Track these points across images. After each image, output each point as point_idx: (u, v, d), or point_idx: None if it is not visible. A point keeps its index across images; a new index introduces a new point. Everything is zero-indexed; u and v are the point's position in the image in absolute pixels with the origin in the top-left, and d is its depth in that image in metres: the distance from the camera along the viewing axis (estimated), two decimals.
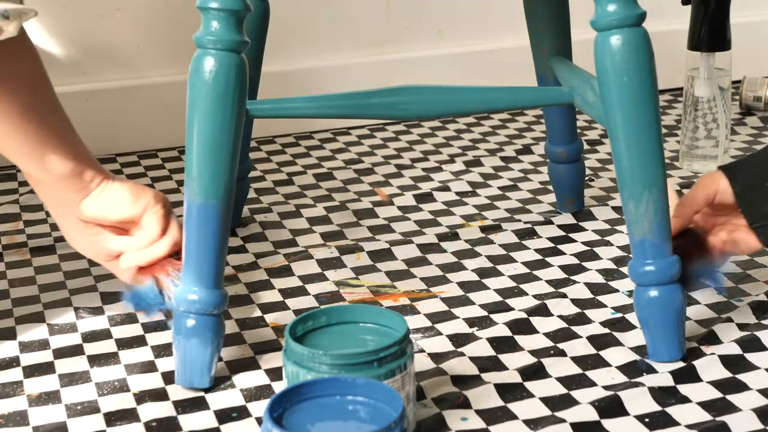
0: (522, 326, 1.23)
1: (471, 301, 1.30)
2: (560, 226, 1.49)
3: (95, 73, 1.84)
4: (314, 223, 1.54)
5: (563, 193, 1.54)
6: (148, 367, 1.17)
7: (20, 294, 1.34)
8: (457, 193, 1.63)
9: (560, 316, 1.25)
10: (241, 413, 1.09)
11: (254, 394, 1.12)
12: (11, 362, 1.19)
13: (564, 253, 1.41)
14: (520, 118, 1.98)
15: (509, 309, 1.28)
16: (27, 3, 1.09)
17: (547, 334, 1.21)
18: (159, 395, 1.12)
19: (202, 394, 1.12)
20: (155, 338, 1.23)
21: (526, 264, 1.39)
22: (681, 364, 1.14)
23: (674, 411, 1.07)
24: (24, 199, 1.64)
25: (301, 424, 0.94)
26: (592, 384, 1.12)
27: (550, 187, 1.61)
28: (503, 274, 1.37)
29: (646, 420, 1.05)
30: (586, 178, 1.65)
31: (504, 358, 1.17)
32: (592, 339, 1.20)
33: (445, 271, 1.38)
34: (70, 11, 1.80)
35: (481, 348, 1.19)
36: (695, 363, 1.13)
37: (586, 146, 1.80)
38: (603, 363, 1.16)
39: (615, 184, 1.64)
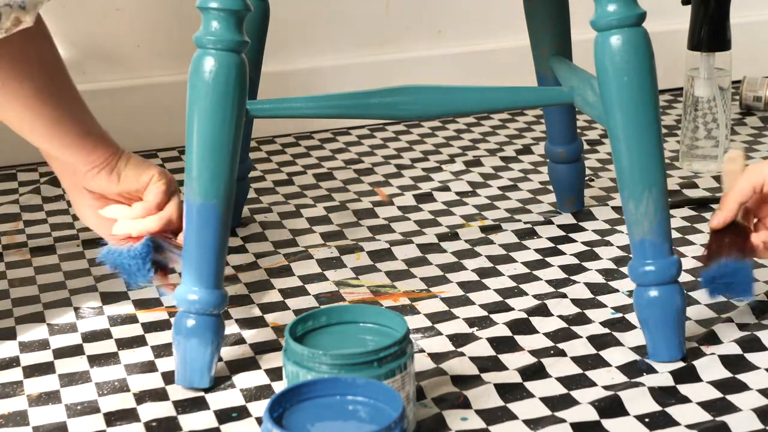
0: (522, 326, 1.23)
1: (471, 301, 1.30)
2: (560, 226, 1.49)
3: (95, 73, 1.84)
4: (314, 223, 1.54)
5: (563, 193, 1.54)
6: (148, 367, 1.17)
7: (20, 294, 1.34)
8: (457, 193, 1.63)
9: (560, 316, 1.25)
10: (241, 413, 1.09)
11: (254, 394, 1.12)
12: (11, 362, 1.19)
13: (564, 253, 1.41)
14: (520, 118, 1.98)
15: (509, 309, 1.28)
16: None
17: (547, 334, 1.21)
18: (159, 395, 1.12)
19: (202, 394, 1.12)
20: (155, 338, 1.23)
21: (526, 264, 1.39)
22: (681, 364, 1.14)
23: (674, 411, 1.07)
24: (24, 199, 1.64)
25: (301, 424, 0.94)
26: (592, 384, 1.12)
27: (550, 187, 1.61)
28: (503, 274, 1.37)
29: (646, 420, 1.05)
30: (586, 178, 1.65)
31: (504, 358, 1.17)
32: (592, 339, 1.20)
33: (445, 271, 1.38)
34: (70, 11, 1.80)
35: (481, 348, 1.19)
36: (695, 363, 1.13)
37: (586, 146, 1.80)
38: (603, 363, 1.16)
39: (615, 184, 1.64)
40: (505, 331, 1.22)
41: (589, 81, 1.18)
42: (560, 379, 1.13)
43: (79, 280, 1.37)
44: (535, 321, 1.24)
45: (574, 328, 1.23)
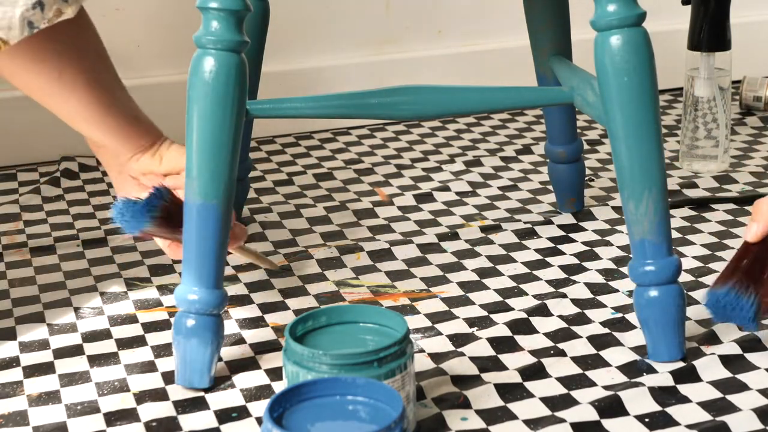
0: (522, 326, 1.23)
1: (471, 301, 1.30)
2: (560, 226, 1.49)
3: None
4: (314, 223, 1.54)
5: (563, 193, 1.53)
6: (148, 367, 1.17)
7: (20, 294, 1.34)
8: (457, 193, 1.63)
9: (560, 316, 1.25)
10: (241, 413, 1.09)
11: (254, 394, 1.12)
12: (11, 362, 1.19)
13: (564, 253, 1.41)
14: (520, 118, 1.98)
15: (509, 309, 1.28)
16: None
17: (547, 334, 1.21)
18: (159, 395, 1.12)
19: (202, 394, 1.12)
20: (155, 338, 1.23)
21: (526, 264, 1.39)
22: (681, 364, 1.14)
23: (674, 411, 1.07)
24: (24, 199, 1.64)
25: (301, 424, 0.94)
26: (592, 384, 1.12)
27: (550, 187, 1.61)
28: (503, 274, 1.37)
29: (646, 420, 1.05)
30: (586, 178, 1.65)
31: (504, 358, 1.17)
32: (592, 339, 1.20)
33: (445, 271, 1.38)
34: None
35: (481, 348, 1.19)
36: (695, 363, 1.13)
37: (586, 146, 1.80)
38: (603, 363, 1.16)
39: (615, 184, 1.64)
40: (505, 331, 1.22)
41: (589, 81, 1.18)
42: (560, 379, 1.13)
43: (79, 280, 1.37)
44: (535, 321, 1.24)
45: (574, 328, 1.23)
